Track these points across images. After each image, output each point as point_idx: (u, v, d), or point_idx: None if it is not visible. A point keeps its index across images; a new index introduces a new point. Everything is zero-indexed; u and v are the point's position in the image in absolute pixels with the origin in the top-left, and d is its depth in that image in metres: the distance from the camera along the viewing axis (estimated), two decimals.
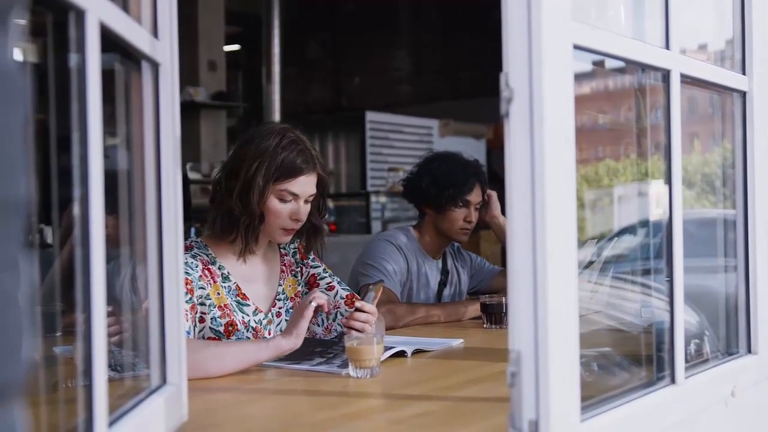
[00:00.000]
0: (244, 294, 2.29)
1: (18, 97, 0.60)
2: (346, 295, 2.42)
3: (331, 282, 2.45)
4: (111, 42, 1.15)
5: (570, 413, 1.24)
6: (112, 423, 1.12)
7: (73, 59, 1.04)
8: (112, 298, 1.12)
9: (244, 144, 2.27)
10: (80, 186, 1.02)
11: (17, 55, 0.61)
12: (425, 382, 1.93)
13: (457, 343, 2.42)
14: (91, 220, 1.03)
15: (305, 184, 2.26)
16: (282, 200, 2.24)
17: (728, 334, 1.92)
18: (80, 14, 1.01)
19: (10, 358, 0.58)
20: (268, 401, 1.79)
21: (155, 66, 1.39)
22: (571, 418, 1.24)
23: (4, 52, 0.59)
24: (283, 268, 2.43)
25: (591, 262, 2.20)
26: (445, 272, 3.22)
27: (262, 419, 1.66)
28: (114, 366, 1.35)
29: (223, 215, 2.26)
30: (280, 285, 2.40)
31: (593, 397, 1.37)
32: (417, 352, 2.25)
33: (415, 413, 1.63)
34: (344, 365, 1.97)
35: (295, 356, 2.07)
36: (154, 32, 1.39)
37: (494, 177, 4.57)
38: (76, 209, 1.02)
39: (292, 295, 2.42)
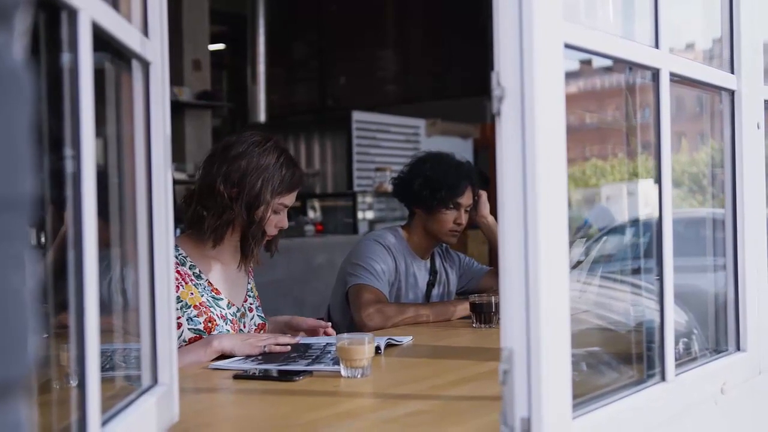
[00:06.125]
0: (217, 289, 2.38)
1: (23, 96, 0.60)
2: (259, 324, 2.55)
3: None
4: (101, 41, 1.14)
5: (562, 410, 1.24)
6: (104, 423, 1.12)
7: (64, 58, 1.03)
8: (101, 299, 1.12)
9: (238, 156, 2.33)
10: (73, 186, 1.02)
11: (21, 53, 0.61)
12: (416, 382, 1.94)
13: (407, 340, 2.44)
14: (84, 221, 1.02)
15: (295, 196, 2.44)
16: (275, 212, 2.38)
17: (717, 332, 1.93)
18: (73, 13, 1.00)
19: (17, 355, 0.59)
20: (260, 402, 1.79)
21: (146, 65, 1.38)
22: (563, 416, 1.25)
23: (8, 51, 0.59)
24: (250, 269, 2.55)
25: (579, 262, 2.21)
26: (433, 272, 3.22)
27: (253, 419, 1.66)
28: (104, 366, 1.34)
29: (225, 224, 2.32)
30: (249, 283, 2.53)
31: (585, 394, 1.38)
32: (389, 345, 2.31)
33: (407, 412, 1.63)
34: (337, 362, 1.96)
35: (280, 359, 2.08)
36: (145, 31, 1.38)
37: (481, 177, 4.57)
38: (69, 210, 1.02)
39: (257, 295, 2.57)
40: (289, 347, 2.20)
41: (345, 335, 2.00)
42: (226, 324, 2.34)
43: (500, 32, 1.21)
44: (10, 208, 0.58)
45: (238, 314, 2.42)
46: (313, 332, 2.48)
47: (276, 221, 2.38)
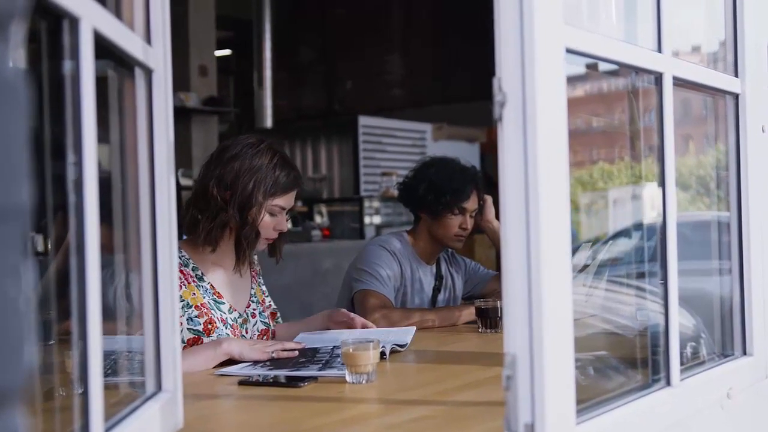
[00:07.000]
0: (219, 293, 2.39)
1: (20, 104, 0.61)
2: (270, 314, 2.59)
3: (270, 302, 2.62)
4: (104, 48, 1.14)
5: (566, 416, 1.24)
6: (107, 430, 1.12)
7: (66, 66, 1.04)
8: (106, 306, 1.12)
9: (232, 158, 2.34)
10: (75, 193, 1.02)
11: (18, 62, 0.62)
12: (421, 387, 1.93)
13: (411, 333, 2.47)
14: (86, 228, 1.03)
15: (292, 198, 2.42)
16: (271, 214, 2.37)
17: (723, 336, 1.92)
18: (74, 22, 1.01)
19: (13, 363, 0.59)
20: (264, 408, 1.79)
21: (148, 72, 1.38)
22: (566, 421, 1.24)
23: (5, 60, 0.59)
24: (253, 274, 2.56)
25: (586, 266, 2.20)
26: (439, 277, 3.22)
27: (257, 426, 1.66)
28: (107, 372, 1.34)
29: (218, 227, 2.33)
30: (252, 288, 2.53)
31: (589, 400, 1.37)
32: (393, 351, 2.30)
33: (411, 418, 1.62)
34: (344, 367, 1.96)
35: (289, 365, 2.08)
36: (147, 38, 1.38)
37: (488, 181, 4.57)
38: (71, 217, 1.02)
39: (261, 299, 2.55)
40: (296, 353, 2.20)
41: (350, 340, 2.00)
42: (226, 328, 2.34)
43: (501, 37, 1.21)
44: (6, 218, 0.58)
45: (240, 320, 2.42)
46: (348, 325, 2.51)
47: (274, 224, 2.38)
